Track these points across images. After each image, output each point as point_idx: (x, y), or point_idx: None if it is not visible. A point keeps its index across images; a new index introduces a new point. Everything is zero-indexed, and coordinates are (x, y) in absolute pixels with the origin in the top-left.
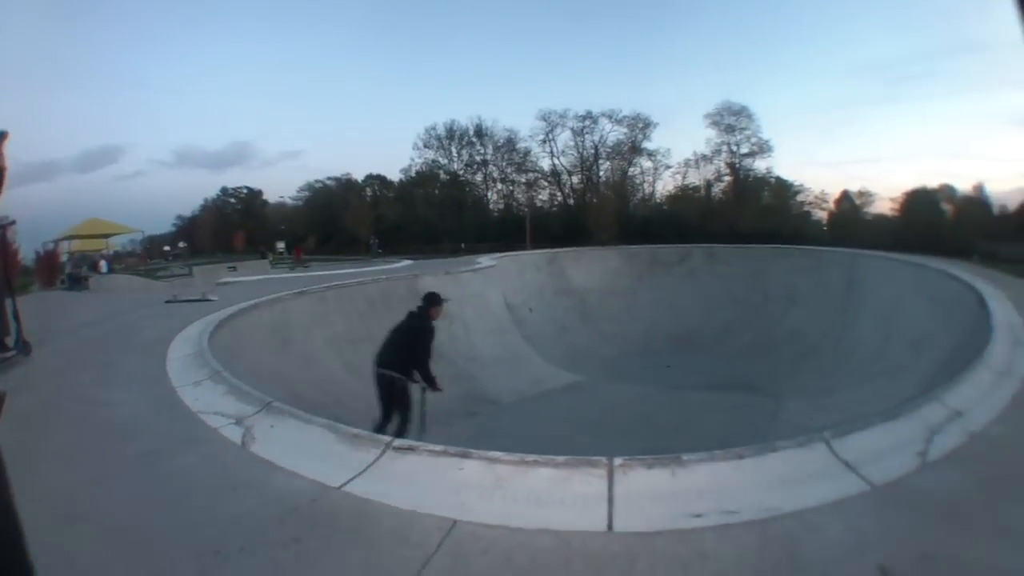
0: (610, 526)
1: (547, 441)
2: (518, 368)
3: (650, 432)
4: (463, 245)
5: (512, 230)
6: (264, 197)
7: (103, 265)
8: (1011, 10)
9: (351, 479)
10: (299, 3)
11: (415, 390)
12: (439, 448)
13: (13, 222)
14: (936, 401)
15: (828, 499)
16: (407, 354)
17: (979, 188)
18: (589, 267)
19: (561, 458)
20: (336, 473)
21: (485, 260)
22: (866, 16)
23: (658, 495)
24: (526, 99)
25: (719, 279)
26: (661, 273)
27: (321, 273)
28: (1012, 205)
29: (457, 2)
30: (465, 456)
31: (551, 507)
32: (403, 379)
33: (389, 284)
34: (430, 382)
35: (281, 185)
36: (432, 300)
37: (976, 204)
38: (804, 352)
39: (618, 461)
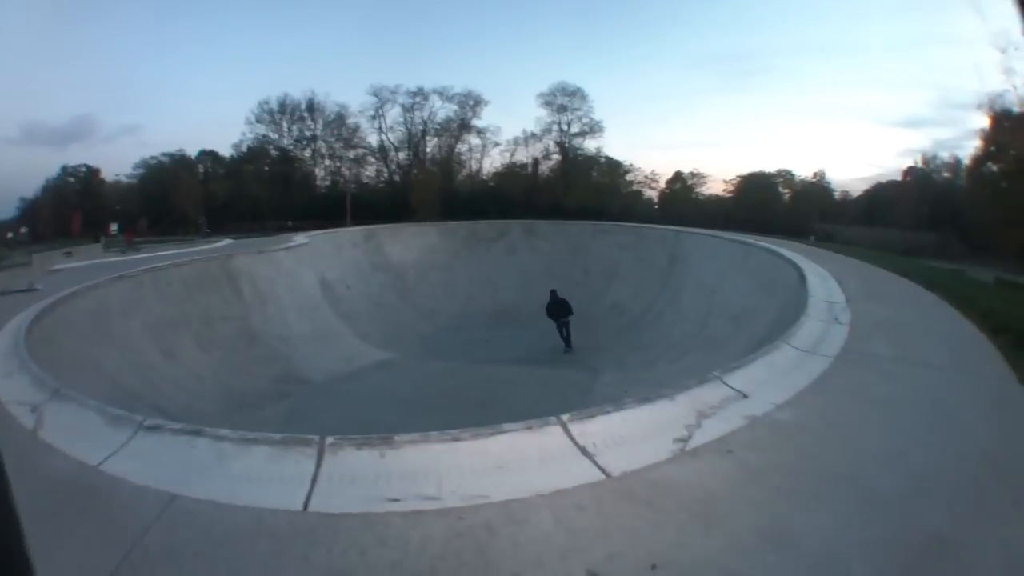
0: (306, 506)
1: (351, 424)
2: (332, 347)
3: (457, 407)
4: (290, 223)
5: (338, 207)
6: (102, 176)
7: None
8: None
9: (107, 457)
10: None
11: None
12: (177, 426)
13: None
14: (715, 382)
15: (548, 489)
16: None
17: (820, 175)
18: (407, 243)
19: (278, 436)
20: (97, 452)
21: (300, 238)
22: (710, 12)
23: (361, 477)
24: (364, 74)
25: (538, 255)
26: (480, 249)
27: (147, 255)
28: (855, 192)
29: None
30: (197, 434)
31: (260, 484)
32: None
33: (203, 265)
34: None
35: (120, 162)
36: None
37: (816, 188)
38: (626, 326)
39: (329, 440)
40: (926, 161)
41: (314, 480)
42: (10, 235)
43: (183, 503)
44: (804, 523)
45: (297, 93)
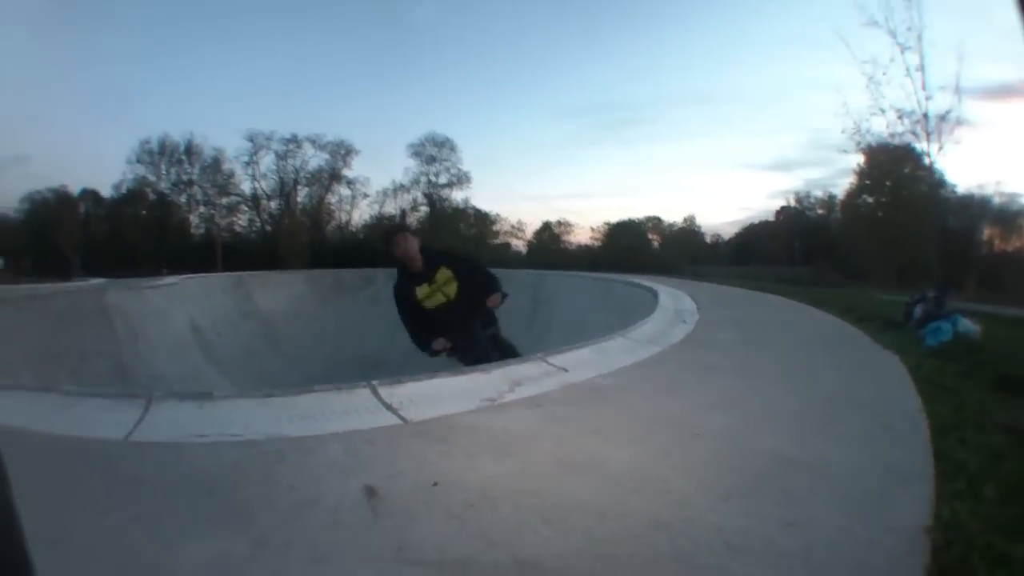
0: (126, 439)
1: None
2: (196, 387)
3: None
4: (164, 269)
5: (210, 254)
6: None
7: None
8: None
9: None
10: None
11: None
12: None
13: None
14: (537, 360)
15: (344, 429)
16: None
17: (690, 220)
18: (275, 291)
19: (113, 390)
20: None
21: (170, 278)
22: (582, 64)
23: (178, 421)
24: (241, 117)
25: None
26: (346, 297)
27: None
28: (727, 235)
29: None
30: (46, 391)
31: (92, 426)
32: None
33: (77, 297)
34: None
35: (11, 192)
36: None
37: (686, 234)
38: None
39: (157, 394)
40: (799, 200)
41: (138, 422)
42: None
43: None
44: (612, 453)
45: (177, 133)
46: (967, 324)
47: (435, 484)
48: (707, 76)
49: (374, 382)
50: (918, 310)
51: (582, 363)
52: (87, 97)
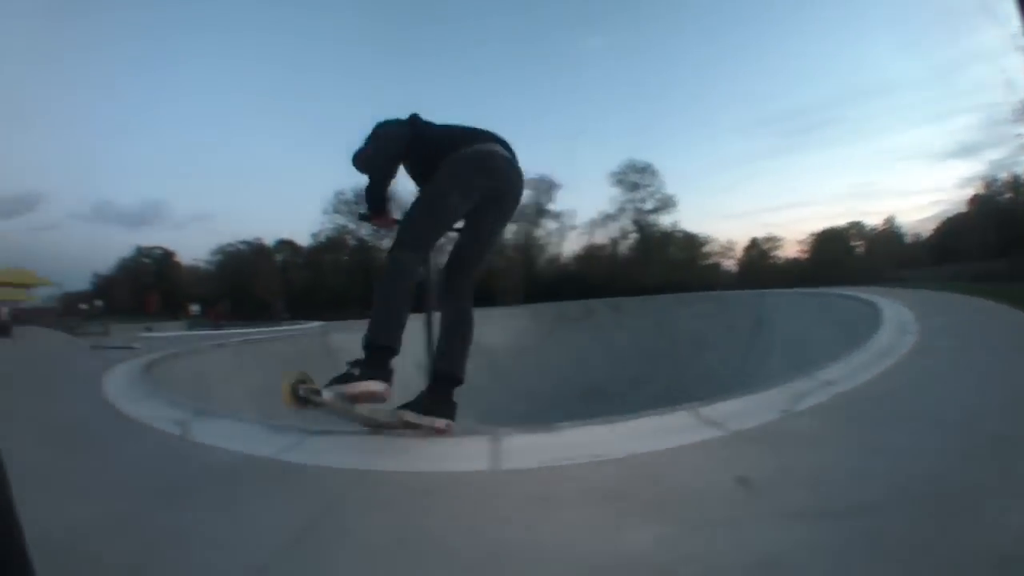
0: (493, 468)
1: None
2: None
3: None
4: None
5: (421, 294)
6: (176, 259)
7: (4, 312)
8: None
9: (277, 453)
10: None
11: None
12: (351, 429)
13: None
14: (807, 376)
15: (688, 443)
16: None
17: (890, 221)
18: (498, 326)
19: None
20: (264, 449)
21: None
22: (760, 74)
23: (535, 448)
24: None
25: (626, 331)
26: (568, 329)
27: (236, 331)
28: (925, 233)
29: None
30: (374, 433)
31: (446, 460)
32: None
33: (300, 340)
34: None
35: (194, 246)
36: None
37: (888, 237)
38: (717, 392)
39: (502, 430)
40: (987, 185)
41: (495, 454)
42: (83, 306)
43: (377, 474)
44: (898, 440)
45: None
46: None
47: (741, 480)
48: (873, 67)
49: (694, 404)
50: None
51: (842, 375)
52: (269, 159)
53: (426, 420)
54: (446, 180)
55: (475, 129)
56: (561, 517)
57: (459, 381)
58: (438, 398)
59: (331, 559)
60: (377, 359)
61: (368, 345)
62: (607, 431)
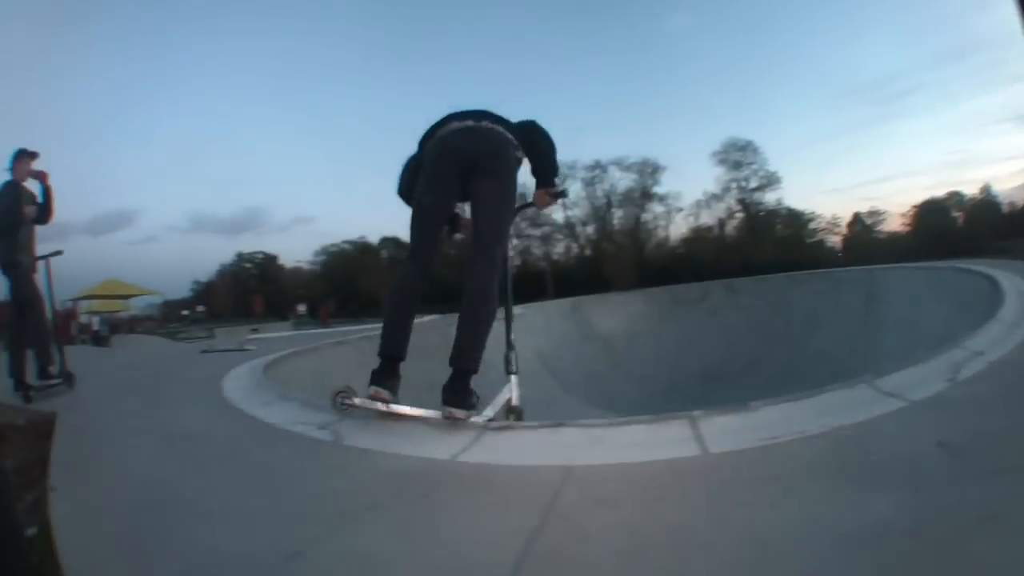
0: (704, 452)
1: None
2: (555, 412)
3: None
4: None
5: (531, 283)
6: (279, 262)
7: (96, 323)
8: (1002, 7)
9: (457, 454)
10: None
11: None
12: (534, 423)
13: (60, 252)
14: (958, 347)
15: (878, 414)
16: None
17: (986, 189)
18: (612, 312)
19: (646, 416)
20: (441, 451)
21: (517, 309)
22: (846, 42)
23: (736, 429)
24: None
25: (741, 312)
26: (683, 312)
27: (348, 328)
28: (1021, 201)
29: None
30: (559, 425)
31: (649, 448)
32: None
33: (422, 334)
34: None
35: (296, 249)
36: None
37: (985, 206)
38: (833, 373)
39: (696, 412)
40: None
41: (698, 438)
42: (185, 312)
43: (583, 469)
44: None
45: None
46: None
47: (939, 443)
48: (951, 27)
49: (866, 377)
50: None
51: (989, 344)
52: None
53: (445, 412)
54: (418, 184)
55: (438, 120)
56: (799, 493)
57: (469, 372)
58: (456, 388)
59: (577, 561)
60: (382, 366)
61: (379, 354)
62: (796, 408)
